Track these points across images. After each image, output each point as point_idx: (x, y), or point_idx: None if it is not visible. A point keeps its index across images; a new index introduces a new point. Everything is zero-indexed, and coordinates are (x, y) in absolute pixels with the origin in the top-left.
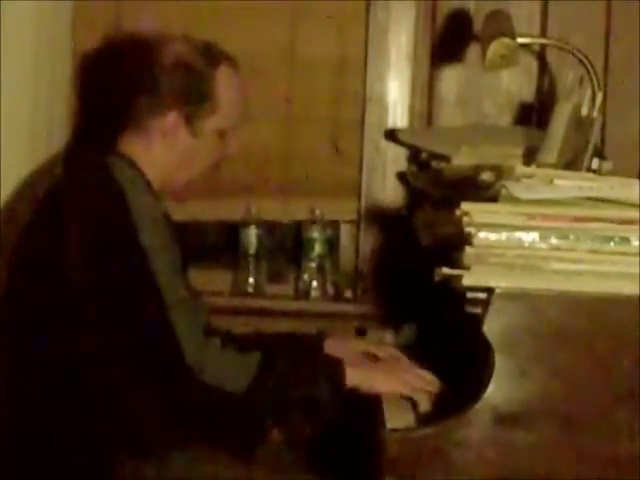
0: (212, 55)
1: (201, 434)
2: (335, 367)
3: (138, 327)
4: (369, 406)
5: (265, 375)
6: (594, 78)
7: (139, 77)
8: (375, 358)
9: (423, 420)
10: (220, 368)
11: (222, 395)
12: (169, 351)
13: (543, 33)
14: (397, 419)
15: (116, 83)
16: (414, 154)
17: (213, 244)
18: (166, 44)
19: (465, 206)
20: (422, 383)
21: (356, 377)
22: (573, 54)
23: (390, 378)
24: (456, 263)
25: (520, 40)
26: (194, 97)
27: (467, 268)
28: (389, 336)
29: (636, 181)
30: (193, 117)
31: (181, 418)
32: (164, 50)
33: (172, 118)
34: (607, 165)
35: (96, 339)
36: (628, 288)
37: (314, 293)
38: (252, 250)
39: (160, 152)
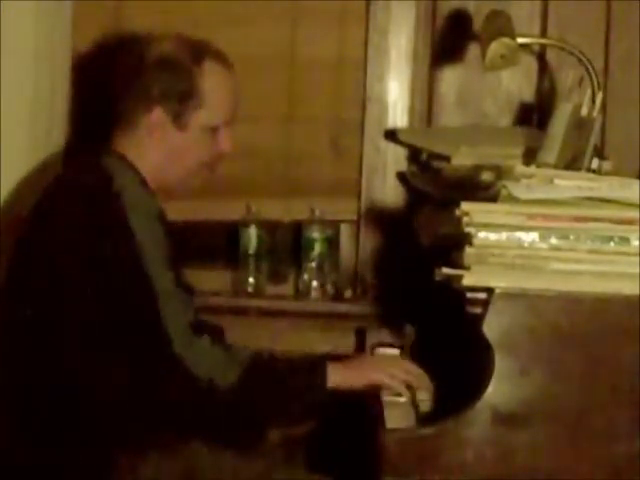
0: (199, 51)
1: (187, 423)
2: (319, 362)
3: (127, 313)
4: (369, 406)
5: (257, 366)
6: (594, 78)
7: (126, 75)
8: None
9: (423, 420)
10: (210, 362)
11: (209, 385)
12: (156, 338)
13: (543, 33)
14: (397, 419)
15: (108, 82)
16: (414, 154)
17: (213, 244)
18: (153, 42)
19: (465, 206)
20: (408, 377)
21: (339, 372)
22: (573, 54)
23: (376, 371)
24: (456, 263)
25: (520, 40)
26: (178, 93)
27: (467, 268)
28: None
29: (636, 181)
30: (179, 113)
31: (162, 406)
32: (150, 48)
33: (157, 114)
34: (607, 165)
35: (84, 324)
36: (628, 288)
37: (314, 293)
38: (252, 250)
39: (150, 148)
